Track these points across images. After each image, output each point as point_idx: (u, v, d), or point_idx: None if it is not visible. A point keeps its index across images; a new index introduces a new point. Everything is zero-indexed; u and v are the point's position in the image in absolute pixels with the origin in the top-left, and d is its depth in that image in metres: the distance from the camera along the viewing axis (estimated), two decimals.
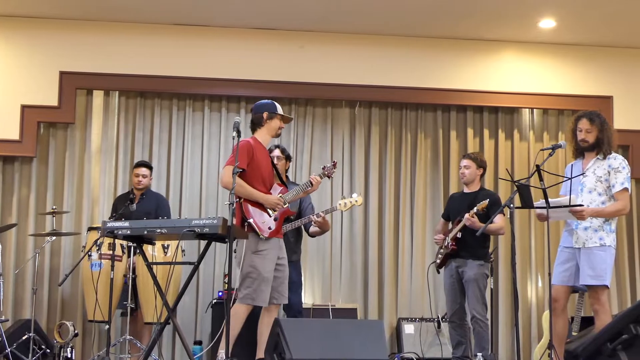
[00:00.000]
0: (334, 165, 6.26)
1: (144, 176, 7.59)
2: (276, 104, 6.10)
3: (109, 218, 7.39)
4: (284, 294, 5.93)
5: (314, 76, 8.57)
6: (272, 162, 6.21)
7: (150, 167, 7.71)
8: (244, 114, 8.59)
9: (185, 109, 8.61)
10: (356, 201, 6.65)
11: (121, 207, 7.22)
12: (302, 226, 6.87)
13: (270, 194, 5.97)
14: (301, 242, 7.04)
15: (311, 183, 6.11)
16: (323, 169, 6.23)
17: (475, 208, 6.64)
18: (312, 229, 6.92)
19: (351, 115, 8.87)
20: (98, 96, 8.53)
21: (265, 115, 6.02)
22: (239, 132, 5.56)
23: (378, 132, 8.85)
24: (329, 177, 6.26)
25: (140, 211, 7.21)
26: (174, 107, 8.60)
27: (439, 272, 7.15)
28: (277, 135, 6.18)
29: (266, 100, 6.21)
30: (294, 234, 6.84)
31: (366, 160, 8.78)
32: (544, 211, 5.72)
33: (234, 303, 5.71)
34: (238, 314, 5.71)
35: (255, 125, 6.07)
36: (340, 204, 6.66)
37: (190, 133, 8.58)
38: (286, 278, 5.97)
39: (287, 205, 5.99)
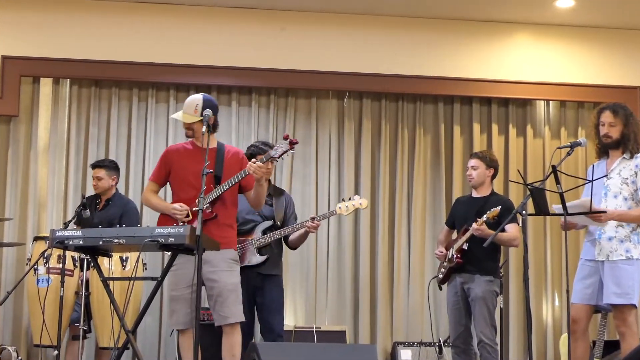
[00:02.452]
0: (291, 143, 5.48)
1: (99, 178, 7.52)
2: (188, 103, 5.86)
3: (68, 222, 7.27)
4: (223, 314, 5.74)
5: (296, 63, 8.58)
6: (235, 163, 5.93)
7: (105, 167, 7.58)
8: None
9: (148, 100, 8.60)
10: (360, 204, 6.49)
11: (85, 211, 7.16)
12: (282, 237, 6.76)
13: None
14: (282, 255, 6.94)
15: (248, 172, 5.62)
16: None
17: (484, 216, 6.58)
18: (292, 236, 6.78)
19: (339, 108, 8.87)
20: (46, 85, 8.50)
21: None
22: (209, 127, 5.52)
23: (370, 127, 8.86)
24: (276, 159, 5.60)
25: (103, 219, 7.19)
26: (134, 97, 8.60)
27: (441, 289, 7.14)
28: (187, 136, 5.99)
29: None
30: (277, 245, 6.75)
31: (356, 159, 8.78)
32: (569, 219, 5.70)
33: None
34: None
35: None
36: (340, 207, 6.50)
37: (153, 127, 8.58)
38: (223, 295, 5.72)
39: (199, 208, 5.60)
